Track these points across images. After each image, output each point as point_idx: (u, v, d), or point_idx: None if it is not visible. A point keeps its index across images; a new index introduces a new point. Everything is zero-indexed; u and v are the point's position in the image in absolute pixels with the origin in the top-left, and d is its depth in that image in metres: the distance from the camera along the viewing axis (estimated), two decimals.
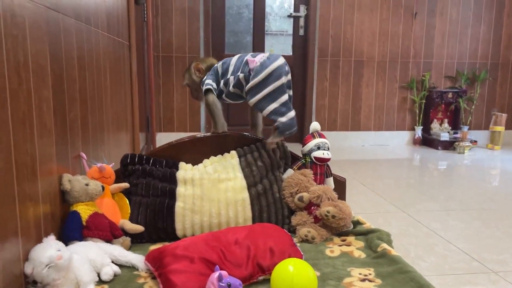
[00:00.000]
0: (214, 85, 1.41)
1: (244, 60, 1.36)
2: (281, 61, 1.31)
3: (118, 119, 1.90)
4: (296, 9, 4.00)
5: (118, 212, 1.24)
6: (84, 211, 1.10)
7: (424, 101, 4.15)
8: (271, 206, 1.28)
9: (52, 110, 1.04)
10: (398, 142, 4.24)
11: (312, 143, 1.36)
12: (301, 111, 4.13)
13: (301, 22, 4.00)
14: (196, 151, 1.42)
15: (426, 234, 1.93)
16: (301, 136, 4.10)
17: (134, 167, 1.30)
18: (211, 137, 1.44)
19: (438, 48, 4.15)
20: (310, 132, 1.42)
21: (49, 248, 0.88)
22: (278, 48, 4.18)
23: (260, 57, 1.32)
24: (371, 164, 3.44)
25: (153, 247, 1.18)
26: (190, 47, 3.81)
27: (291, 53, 4.12)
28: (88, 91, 1.38)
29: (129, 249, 1.16)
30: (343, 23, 3.96)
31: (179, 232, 1.22)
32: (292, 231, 1.28)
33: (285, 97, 1.30)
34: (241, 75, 1.34)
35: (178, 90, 3.85)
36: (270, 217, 1.28)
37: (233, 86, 1.37)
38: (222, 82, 1.40)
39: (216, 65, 1.44)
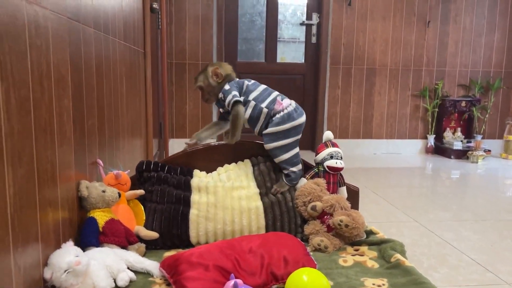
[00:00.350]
0: (241, 96, 1.40)
1: (272, 97, 1.38)
2: (304, 118, 1.39)
3: (132, 125, 1.93)
4: (309, 17, 4.02)
5: (133, 219, 1.25)
6: (100, 217, 1.12)
7: (437, 109, 4.13)
8: (284, 215, 1.29)
9: (72, 119, 1.06)
10: (410, 150, 4.22)
11: (325, 152, 1.37)
12: (312, 118, 4.13)
13: (314, 30, 4.02)
14: (210, 159, 1.44)
15: (439, 244, 1.91)
16: (313, 144, 4.11)
17: (149, 174, 1.32)
18: (225, 146, 1.45)
19: (451, 56, 4.13)
20: (323, 141, 1.43)
21: (68, 254, 0.90)
22: (290, 55, 4.20)
23: (287, 104, 1.37)
24: (383, 172, 3.43)
25: (168, 253, 1.20)
26: (203, 54, 3.85)
27: (303, 61, 4.13)
28: (105, 99, 1.41)
29: (144, 255, 1.17)
30: (356, 31, 3.96)
31: (193, 239, 1.23)
32: (305, 240, 1.29)
33: (297, 149, 1.38)
34: (265, 110, 1.36)
35: (191, 96, 3.89)
36: (283, 226, 1.29)
37: (250, 115, 1.38)
38: (242, 99, 1.40)
39: (244, 81, 1.43)
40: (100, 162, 1.30)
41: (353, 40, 3.98)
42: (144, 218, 1.27)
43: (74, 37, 1.09)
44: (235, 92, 1.38)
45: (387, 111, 4.13)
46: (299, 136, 1.38)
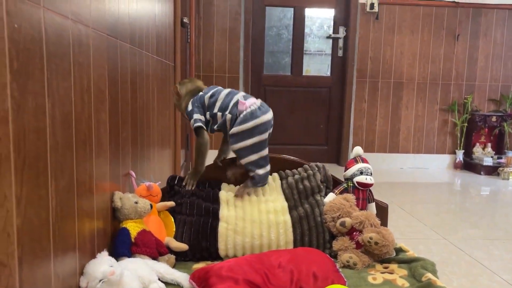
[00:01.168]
0: (203, 118, 1.38)
1: (234, 101, 1.34)
2: (270, 115, 1.34)
3: (162, 137, 1.97)
4: (336, 30, 4.02)
5: (164, 230, 1.28)
6: (133, 228, 1.15)
7: (466, 124, 4.04)
8: (312, 230, 1.29)
9: (108, 131, 1.10)
10: (438, 165, 4.14)
11: (355, 168, 1.36)
12: (338, 132, 4.11)
13: (340, 43, 4.02)
14: (239, 173, 1.45)
15: (469, 263, 1.87)
16: (338, 157, 4.08)
17: (179, 188, 1.35)
18: None
19: (481, 70, 4.05)
20: (352, 157, 1.42)
21: (103, 264, 0.93)
22: (315, 68, 4.20)
23: (251, 103, 1.32)
24: (410, 187, 3.37)
25: (197, 265, 1.21)
26: (230, 67, 3.90)
27: (328, 73, 4.13)
28: (138, 112, 1.45)
29: (173, 266, 1.19)
30: (383, 45, 3.95)
31: (221, 252, 1.25)
32: (333, 256, 1.28)
33: (265, 152, 1.33)
34: (228, 116, 1.33)
35: None
36: (312, 241, 1.28)
37: (217, 126, 1.36)
38: (208, 114, 1.38)
39: (204, 96, 1.39)
40: (133, 173, 1.33)
41: (380, 54, 3.96)
42: (174, 229, 1.29)
43: (112, 53, 1.14)
44: (196, 116, 1.36)
45: (415, 125, 4.07)
46: (265, 136, 1.32)
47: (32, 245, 0.70)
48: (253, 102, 1.33)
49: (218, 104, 1.36)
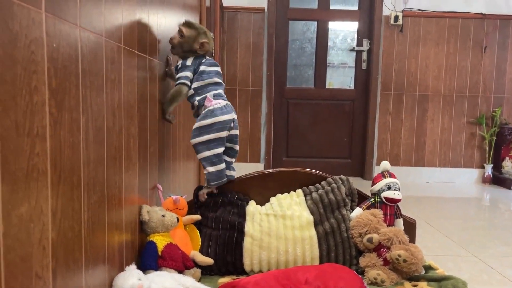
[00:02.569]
0: (190, 77, 1.37)
1: (207, 94, 1.35)
2: (230, 116, 1.35)
3: (187, 149, 1.99)
4: (359, 43, 4.01)
5: (190, 243, 1.28)
6: (160, 241, 1.16)
7: (494, 137, 3.94)
8: (339, 245, 1.27)
9: (137, 146, 1.12)
10: (465, 179, 4.04)
11: (382, 183, 1.34)
12: (362, 145, 4.07)
13: (364, 56, 4.00)
14: (263, 186, 1.46)
15: (501, 282, 1.80)
16: (362, 170, 4.03)
17: (206, 199, 1.36)
18: (278, 173, 1.47)
19: (510, 82, 3.96)
20: (380, 171, 1.40)
21: (131, 277, 0.94)
22: (338, 80, 4.19)
23: (217, 102, 1.34)
24: (436, 202, 3.29)
25: (222, 280, 1.21)
26: (253, 80, 3.93)
27: (351, 85, 4.11)
28: (165, 126, 1.47)
29: (199, 280, 1.19)
30: (407, 57, 3.91)
31: (247, 267, 1.24)
32: (360, 272, 1.26)
33: (220, 149, 1.33)
34: (196, 103, 1.36)
35: (240, 121, 3.96)
36: (338, 257, 1.27)
37: (188, 99, 1.38)
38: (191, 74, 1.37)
39: (202, 65, 1.38)
40: (160, 187, 1.35)
41: (404, 66, 3.92)
42: (200, 243, 1.29)
43: (141, 69, 1.16)
44: (188, 74, 1.35)
45: (441, 139, 4.00)
46: (222, 134, 1.33)
47: (65, 257, 0.71)
48: (218, 102, 1.35)
49: (197, 84, 1.36)
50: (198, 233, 1.30)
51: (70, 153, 0.72)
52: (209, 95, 1.35)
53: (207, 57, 1.42)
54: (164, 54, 1.43)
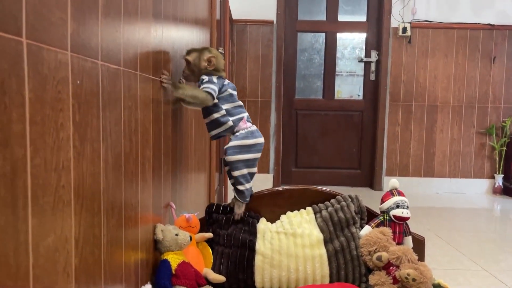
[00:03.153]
0: (216, 93, 1.38)
1: (240, 116, 1.41)
2: (263, 139, 1.45)
3: (199, 163, 2.03)
4: (368, 54, 4.04)
5: (202, 261, 1.31)
6: (173, 259, 1.19)
7: (505, 148, 3.93)
8: (348, 264, 1.30)
9: (152, 167, 1.16)
10: (475, 190, 4.02)
11: (391, 201, 1.36)
12: (371, 155, 4.08)
13: (372, 67, 4.02)
14: (273, 204, 1.48)
15: None
16: (371, 181, 4.04)
17: (217, 216, 1.39)
18: (289, 191, 1.49)
19: None
20: (389, 189, 1.42)
21: None
22: (346, 89, 4.21)
23: (250, 125, 1.43)
24: (446, 213, 3.29)
25: None
26: (262, 92, 3.97)
27: (359, 94, 4.13)
28: (177, 144, 1.51)
29: None
30: (416, 68, 3.92)
31: (258, 285, 1.27)
32: None
33: (255, 169, 1.43)
34: (231, 123, 1.39)
35: None
36: (348, 275, 1.29)
37: (216, 119, 1.40)
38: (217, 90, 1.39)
39: (227, 87, 1.42)
40: (173, 204, 1.39)
41: (413, 77, 3.93)
42: (212, 260, 1.32)
43: (156, 92, 1.20)
44: (216, 88, 1.37)
45: (450, 149, 3.99)
46: (258, 155, 1.43)
47: (86, 282, 0.74)
48: (251, 125, 1.44)
49: (229, 106, 1.41)
50: (210, 251, 1.33)
51: (91, 181, 0.76)
52: (246, 117, 1.44)
53: (227, 80, 1.47)
54: (177, 75, 1.47)
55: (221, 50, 2.51)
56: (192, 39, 1.81)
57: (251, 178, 1.43)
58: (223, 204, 1.43)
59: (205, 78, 1.40)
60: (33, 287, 0.57)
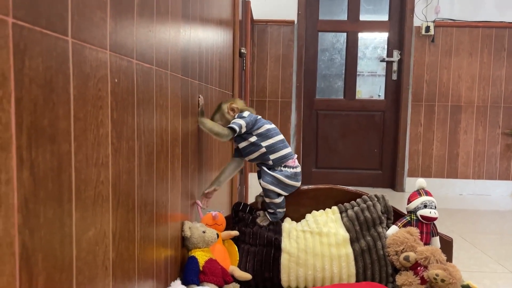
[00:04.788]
0: (243, 130, 1.40)
1: (287, 152, 1.42)
2: (300, 184, 1.47)
3: (221, 162, 2.04)
4: (390, 54, 4.00)
5: (228, 258, 1.32)
6: (201, 256, 1.21)
7: None
8: (375, 263, 1.29)
9: (180, 165, 1.17)
10: (501, 192, 3.94)
11: (418, 201, 1.35)
12: (393, 156, 4.04)
13: (394, 66, 3.98)
14: (298, 203, 1.48)
15: None
16: (393, 182, 3.99)
17: (243, 214, 1.40)
18: (313, 190, 1.49)
19: None
20: (416, 189, 1.41)
21: None
22: (366, 89, 4.18)
23: (297, 164, 1.45)
24: (470, 215, 3.23)
25: None
26: (282, 92, 3.97)
27: (379, 94, 4.09)
28: (203, 143, 1.52)
29: None
30: (439, 68, 3.86)
31: (284, 283, 1.27)
32: None
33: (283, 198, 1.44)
34: (271, 162, 1.41)
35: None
36: (374, 275, 1.28)
37: (254, 156, 1.42)
38: (252, 136, 1.42)
39: (262, 124, 1.43)
40: (199, 203, 1.40)
41: (436, 77, 3.87)
42: (238, 258, 1.33)
43: (184, 92, 1.22)
44: (242, 122, 1.39)
45: (474, 150, 3.92)
46: (287, 194, 1.44)
47: (122, 276, 0.76)
48: (298, 165, 1.46)
49: (270, 142, 1.42)
50: (236, 249, 1.34)
51: (127, 178, 0.77)
52: (295, 157, 1.46)
53: (255, 115, 1.48)
54: (202, 75, 1.49)
55: (243, 50, 2.52)
56: (217, 39, 1.83)
57: (284, 204, 1.44)
58: (250, 203, 1.44)
59: (237, 115, 1.44)
60: (76, 279, 0.59)
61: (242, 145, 1.43)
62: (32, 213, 0.48)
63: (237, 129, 1.38)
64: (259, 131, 1.42)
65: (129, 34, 0.77)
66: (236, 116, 1.44)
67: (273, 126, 1.46)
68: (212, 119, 1.51)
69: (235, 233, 1.36)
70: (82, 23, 0.59)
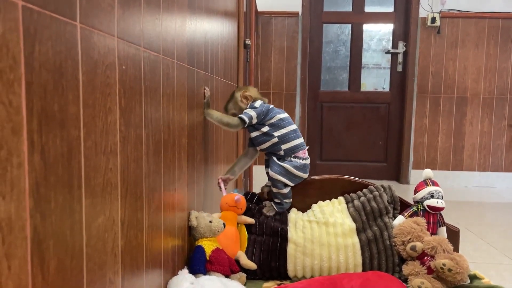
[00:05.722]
0: (254, 120, 1.40)
1: (298, 143, 1.42)
2: (307, 175, 1.48)
3: (227, 154, 2.04)
4: (395, 45, 3.97)
5: (238, 243, 1.33)
6: (207, 246, 1.21)
7: None
8: (381, 253, 1.29)
9: (187, 155, 1.17)
10: (507, 184, 3.92)
11: (425, 191, 1.35)
12: (398, 148, 4.02)
13: (400, 58, 3.95)
14: (304, 194, 1.48)
15: None
16: (398, 174, 3.98)
17: (250, 204, 1.40)
18: (320, 180, 1.49)
19: None
20: (422, 179, 1.41)
21: (184, 281, 0.99)
22: (371, 81, 4.15)
23: (307, 156, 1.45)
24: (476, 207, 3.22)
25: (266, 284, 1.25)
26: (287, 84, 3.95)
27: (384, 86, 4.07)
28: (209, 133, 1.52)
29: (245, 284, 1.23)
30: (445, 59, 3.83)
31: (290, 273, 1.27)
32: (403, 280, 1.27)
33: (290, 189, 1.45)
34: (282, 152, 1.41)
35: None
36: (381, 264, 1.28)
37: (266, 146, 1.42)
38: (264, 127, 1.41)
39: (275, 113, 1.42)
40: (221, 182, 1.42)
41: (442, 69, 3.85)
42: (246, 244, 1.33)
43: (191, 82, 1.22)
44: (252, 114, 1.39)
45: (480, 142, 3.90)
46: (293, 184, 1.44)
47: (131, 263, 0.76)
48: (307, 157, 1.46)
49: (282, 132, 1.41)
50: (247, 235, 1.34)
51: (135, 166, 0.77)
52: (304, 147, 1.46)
53: (267, 104, 1.47)
54: (208, 65, 1.49)
55: (248, 41, 2.51)
56: (222, 31, 1.82)
57: (290, 194, 1.44)
58: (257, 194, 1.44)
59: (249, 105, 1.44)
60: (86, 265, 0.59)
61: (254, 134, 1.43)
62: (44, 197, 0.48)
63: (247, 120, 1.38)
64: (272, 121, 1.41)
65: (136, 21, 0.77)
66: (248, 106, 1.44)
67: (285, 115, 1.45)
68: (225, 107, 1.52)
69: (251, 220, 1.36)
70: (90, 8, 0.58)
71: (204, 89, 1.40)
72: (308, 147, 1.48)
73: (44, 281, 0.48)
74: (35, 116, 0.46)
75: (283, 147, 1.40)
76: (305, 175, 1.44)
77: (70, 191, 0.54)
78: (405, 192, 3.46)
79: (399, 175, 3.98)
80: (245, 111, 1.41)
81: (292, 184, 1.42)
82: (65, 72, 0.52)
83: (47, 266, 0.49)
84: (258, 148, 1.46)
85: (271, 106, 1.46)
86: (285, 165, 1.39)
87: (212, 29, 1.56)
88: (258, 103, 1.44)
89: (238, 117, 1.39)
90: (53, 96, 0.50)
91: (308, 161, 1.44)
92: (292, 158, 1.41)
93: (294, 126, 1.44)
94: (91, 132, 0.59)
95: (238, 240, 1.31)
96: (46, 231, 0.49)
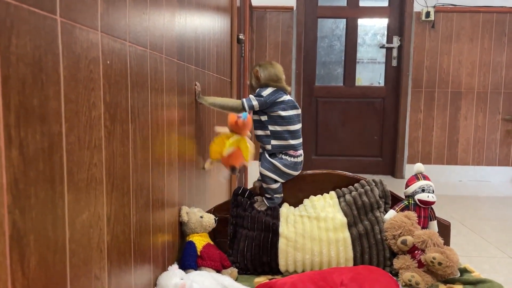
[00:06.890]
0: (257, 108, 1.39)
1: (285, 143, 1.41)
2: (297, 174, 1.46)
3: None
4: (389, 40, 3.96)
5: (242, 158, 1.34)
6: (198, 241, 1.21)
7: None
8: (372, 247, 1.29)
9: (177, 150, 1.17)
10: (500, 178, 3.94)
11: (416, 185, 1.35)
12: (393, 143, 4.03)
13: (394, 53, 3.95)
14: (296, 188, 1.48)
15: None
16: (393, 169, 3.99)
17: (242, 199, 1.40)
18: (311, 175, 1.49)
19: None
20: (414, 174, 1.41)
21: (174, 276, 0.99)
22: (367, 76, 4.15)
23: (299, 154, 1.44)
24: (470, 201, 3.23)
25: (258, 279, 1.25)
26: None
27: (379, 81, 4.07)
28: (201, 129, 1.52)
29: (236, 279, 1.23)
30: (439, 54, 3.83)
31: (282, 267, 1.28)
32: (394, 274, 1.27)
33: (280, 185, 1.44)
34: (269, 147, 1.41)
35: None
36: (372, 259, 1.28)
37: (258, 133, 1.43)
38: (266, 115, 1.41)
39: (284, 107, 1.39)
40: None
41: (436, 63, 3.85)
42: (249, 153, 1.35)
43: (180, 77, 1.21)
44: (255, 103, 1.37)
45: (474, 136, 3.91)
46: (283, 181, 1.43)
47: (118, 259, 0.76)
48: (300, 154, 1.44)
49: (277, 129, 1.40)
50: (249, 147, 1.35)
51: (121, 161, 0.77)
52: (298, 146, 1.44)
53: (288, 96, 1.44)
54: (199, 60, 1.48)
55: (241, 36, 2.50)
56: (214, 26, 1.81)
57: (281, 190, 1.43)
58: (250, 188, 1.44)
59: (258, 91, 1.42)
60: (70, 260, 0.59)
61: (254, 117, 1.43)
62: (23, 193, 0.48)
63: (247, 109, 1.39)
64: (272, 114, 1.40)
65: (122, 16, 0.76)
66: (256, 92, 1.42)
67: (289, 114, 1.40)
68: (250, 80, 1.51)
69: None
70: (71, 2, 0.58)
71: (195, 84, 1.39)
72: (296, 142, 1.45)
73: (24, 276, 0.48)
74: (12, 110, 0.45)
75: (273, 142, 1.40)
76: (296, 173, 1.43)
77: (52, 187, 0.54)
78: (400, 187, 3.46)
79: (394, 170, 3.99)
80: (250, 97, 1.40)
81: (282, 181, 1.42)
82: (45, 66, 0.52)
83: (28, 261, 0.49)
84: (254, 132, 1.47)
85: (282, 98, 1.40)
86: (275, 162, 1.39)
87: (203, 24, 1.55)
88: (267, 91, 1.39)
89: (242, 102, 1.39)
90: (32, 91, 0.49)
91: (299, 159, 1.43)
92: (283, 156, 1.40)
93: (293, 127, 1.41)
94: (73, 127, 0.59)
95: (241, 155, 1.33)
96: (26, 226, 0.48)
